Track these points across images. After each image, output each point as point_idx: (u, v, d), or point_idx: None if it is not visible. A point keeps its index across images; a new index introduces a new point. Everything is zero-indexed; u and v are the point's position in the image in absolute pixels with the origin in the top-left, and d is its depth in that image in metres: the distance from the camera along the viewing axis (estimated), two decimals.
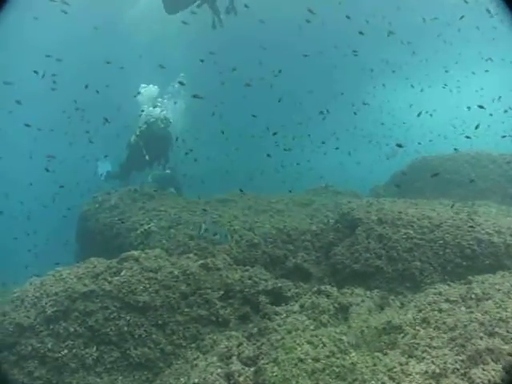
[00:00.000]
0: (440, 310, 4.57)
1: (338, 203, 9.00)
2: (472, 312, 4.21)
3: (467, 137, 9.64)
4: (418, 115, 12.06)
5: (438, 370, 3.45)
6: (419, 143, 14.93)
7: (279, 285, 5.68)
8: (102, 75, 13.86)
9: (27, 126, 8.45)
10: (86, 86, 10.84)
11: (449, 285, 5.23)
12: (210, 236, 6.50)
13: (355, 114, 14.66)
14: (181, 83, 10.77)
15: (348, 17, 9.38)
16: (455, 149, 10.08)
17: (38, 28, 17.51)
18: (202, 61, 9.61)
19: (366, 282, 6.03)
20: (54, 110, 17.02)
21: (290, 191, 9.90)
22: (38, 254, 11.14)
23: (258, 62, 13.15)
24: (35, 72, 9.65)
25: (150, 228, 7.17)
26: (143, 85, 12.24)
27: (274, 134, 9.23)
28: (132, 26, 16.80)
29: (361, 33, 9.91)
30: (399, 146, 8.89)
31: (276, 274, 6.36)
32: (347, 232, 6.73)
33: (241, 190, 8.81)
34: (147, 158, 10.87)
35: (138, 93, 11.77)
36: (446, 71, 17.45)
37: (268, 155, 7.78)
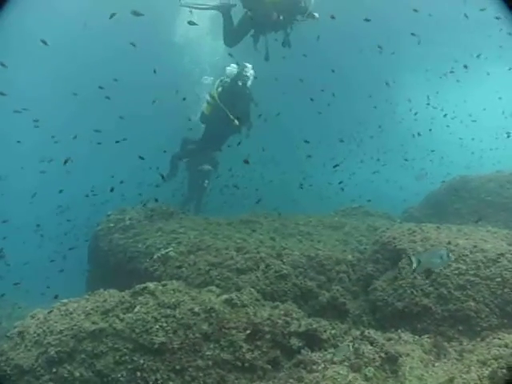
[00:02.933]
0: (510, 368, 3.84)
1: (369, 226, 8.32)
2: None
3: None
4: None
5: None
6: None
7: (314, 326, 4.95)
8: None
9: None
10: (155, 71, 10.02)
11: None
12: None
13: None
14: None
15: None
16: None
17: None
18: None
19: (411, 322, 5.29)
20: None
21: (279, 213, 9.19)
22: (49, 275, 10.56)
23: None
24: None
25: (167, 253, 6.52)
26: (205, 76, 11.36)
27: (306, 141, 8.65)
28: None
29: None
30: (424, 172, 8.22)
31: (308, 310, 5.66)
32: (388, 264, 6.00)
33: (279, 213, 8.18)
34: (236, 122, 9.16)
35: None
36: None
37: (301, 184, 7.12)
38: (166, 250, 6.57)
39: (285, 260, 6.24)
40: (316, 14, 8.84)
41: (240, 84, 9.24)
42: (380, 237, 6.39)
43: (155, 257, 6.53)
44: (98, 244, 7.86)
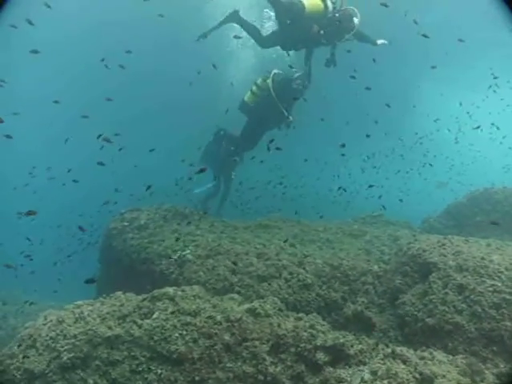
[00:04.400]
0: None
1: (391, 235, 8.05)
2: None
3: None
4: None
5: None
6: None
7: (341, 340, 4.67)
8: None
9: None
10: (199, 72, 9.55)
11: None
12: None
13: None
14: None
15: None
16: None
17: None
18: None
19: (441, 340, 5.00)
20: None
21: (321, 217, 8.89)
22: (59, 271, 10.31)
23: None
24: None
25: (184, 256, 6.26)
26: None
27: (343, 145, 8.27)
28: None
29: None
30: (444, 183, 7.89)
31: (331, 322, 5.38)
32: (417, 277, 5.71)
33: (298, 220, 7.89)
34: (290, 118, 8.79)
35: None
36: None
37: None
38: (183, 253, 6.31)
39: (307, 268, 5.98)
40: (380, 42, 8.52)
41: (295, 86, 8.80)
42: (408, 248, 6.09)
43: (171, 259, 6.27)
44: (111, 243, 7.59)
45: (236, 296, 5.19)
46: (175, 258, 6.26)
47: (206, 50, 12.13)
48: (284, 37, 8.27)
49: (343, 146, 8.12)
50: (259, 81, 9.09)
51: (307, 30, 8.01)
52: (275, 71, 9.00)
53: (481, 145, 18.87)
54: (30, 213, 5.05)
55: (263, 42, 8.65)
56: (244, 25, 8.79)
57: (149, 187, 7.22)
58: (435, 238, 6.26)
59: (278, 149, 5.77)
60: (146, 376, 4.27)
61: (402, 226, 8.94)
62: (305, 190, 16.29)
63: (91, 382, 4.24)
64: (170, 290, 4.92)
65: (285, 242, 6.77)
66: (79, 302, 4.98)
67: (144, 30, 18.62)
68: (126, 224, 7.58)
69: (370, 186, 8.92)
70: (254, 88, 9.10)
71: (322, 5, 7.94)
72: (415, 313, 5.27)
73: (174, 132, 21.07)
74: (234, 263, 5.92)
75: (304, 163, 14.10)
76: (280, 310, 5.05)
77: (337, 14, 8.07)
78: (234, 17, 8.76)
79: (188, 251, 6.32)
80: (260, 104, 9.05)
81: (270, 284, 5.64)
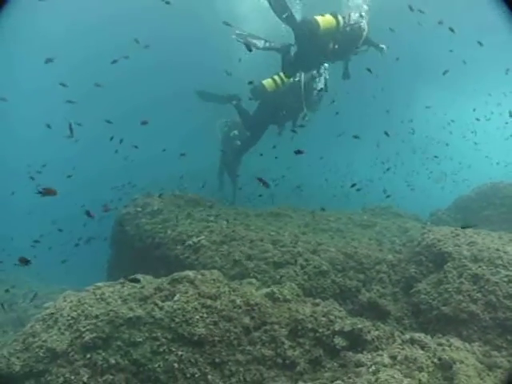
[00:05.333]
0: None
1: (400, 226, 8.12)
2: None
3: None
4: None
5: None
6: None
7: (359, 326, 4.72)
8: None
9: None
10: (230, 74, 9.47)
11: None
12: None
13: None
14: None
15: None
16: None
17: None
18: None
19: (456, 328, 5.06)
20: None
21: (323, 209, 8.92)
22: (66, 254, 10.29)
23: None
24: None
25: (199, 241, 6.29)
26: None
27: (356, 136, 8.35)
28: None
29: None
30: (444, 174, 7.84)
31: (346, 309, 5.43)
32: (432, 267, 5.76)
33: (322, 209, 7.98)
34: (307, 117, 8.97)
35: None
36: None
37: None
38: (198, 238, 6.34)
39: (322, 256, 6.03)
40: (383, 46, 8.51)
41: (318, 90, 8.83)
42: (423, 238, 6.14)
43: (186, 244, 6.31)
44: (124, 228, 7.62)
45: (254, 281, 5.24)
46: (190, 243, 6.28)
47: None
48: (304, 56, 8.24)
49: (356, 137, 8.19)
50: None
51: (325, 47, 8.07)
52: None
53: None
54: (48, 191, 4.63)
55: (291, 70, 8.58)
56: (286, 56, 8.64)
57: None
58: (448, 229, 6.31)
59: (298, 152, 5.78)
60: (166, 357, 4.31)
61: (410, 218, 8.99)
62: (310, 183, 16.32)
63: (113, 361, 4.28)
64: (190, 273, 4.95)
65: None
66: (99, 284, 5.01)
67: (152, 21, 18.53)
68: (138, 209, 7.61)
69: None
70: (277, 77, 9.06)
71: (334, 20, 7.97)
72: (430, 301, 5.33)
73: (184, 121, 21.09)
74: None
75: (308, 161, 14.10)
76: (298, 295, 5.11)
77: (348, 28, 8.17)
78: (285, 51, 8.56)
79: (203, 237, 6.36)
80: (279, 93, 9.05)
81: (285, 270, 5.68)
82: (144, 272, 5.82)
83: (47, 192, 4.52)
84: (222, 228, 6.67)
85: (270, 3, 7.73)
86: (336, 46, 8.11)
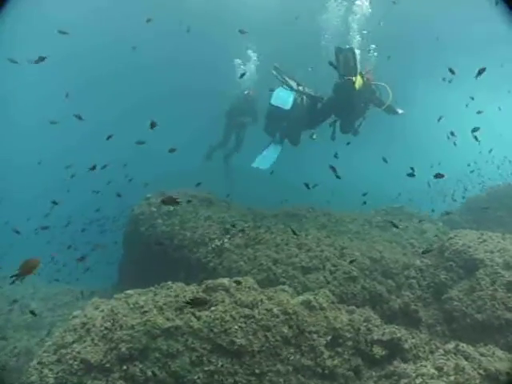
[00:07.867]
0: None
1: (416, 228, 8.06)
2: None
3: None
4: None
5: None
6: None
7: (398, 335, 4.65)
8: None
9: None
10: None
11: None
12: None
13: None
14: None
15: None
16: None
17: None
18: None
19: (491, 336, 5.03)
20: None
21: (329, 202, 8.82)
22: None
23: None
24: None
25: (222, 244, 6.14)
26: None
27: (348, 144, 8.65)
28: None
29: None
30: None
31: (379, 315, 5.34)
32: (462, 273, 5.70)
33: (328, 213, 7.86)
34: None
35: None
36: None
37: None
38: (221, 241, 6.19)
39: (348, 260, 5.93)
40: (400, 111, 8.47)
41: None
42: (450, 244, 6.07)
43: (209, 248, 6.16)
44: (138, 228, 7.41)
45: (287, 288, 5.11)
46: (213, 246, 6.13)
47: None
48: (336, 104, 8.20)
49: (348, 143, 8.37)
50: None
51: (357, 104, 8.19)
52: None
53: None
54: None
55: (314, 123, 8.46)
56: (313, 108, 8.58)
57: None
58: (474, 234, 6.25)
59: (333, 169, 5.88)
60: (206, 368, 4.18)
61: (423, 219, 8.94)
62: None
63: (150, 373, 4.14)
64: (225, 280, 4.81)
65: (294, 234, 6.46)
66: (129, 292, 4.84)
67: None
68: (153, 210, 7.40)
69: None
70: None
71: (362, 81, 8.04)
72: (463, 308, 5.28)
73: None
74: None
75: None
76: (332, 302, 5.01)
77: (373, 87, 8.32)
78: (316, 101, 8.51)
79: (226, 240, 6.21)
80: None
81: (315, 276, 5.57)
82: (159, 273, 5.68)
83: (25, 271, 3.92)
84: (244, 231, 6.52)
85: (337, 61, 7.67)
86: (362, 105, 8.29)
